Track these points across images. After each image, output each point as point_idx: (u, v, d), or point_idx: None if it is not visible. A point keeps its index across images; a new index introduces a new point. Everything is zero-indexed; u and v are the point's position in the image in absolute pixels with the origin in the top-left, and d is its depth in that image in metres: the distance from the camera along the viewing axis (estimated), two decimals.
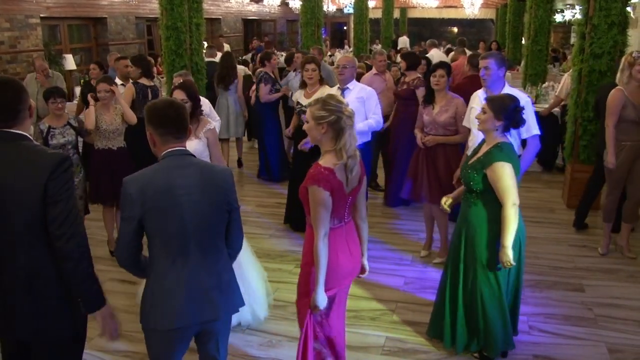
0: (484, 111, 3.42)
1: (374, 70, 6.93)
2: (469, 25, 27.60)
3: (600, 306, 4.39)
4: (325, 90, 5.67)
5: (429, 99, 5.02)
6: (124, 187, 2.41)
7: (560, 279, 4.84)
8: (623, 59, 5.11)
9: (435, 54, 11.11)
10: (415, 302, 4.46)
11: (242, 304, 2.71)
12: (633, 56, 4.95)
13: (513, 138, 4.12)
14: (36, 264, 2.35)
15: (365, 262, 3.21)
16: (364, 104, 5.17)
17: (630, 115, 4.91)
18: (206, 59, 8.47)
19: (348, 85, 5.25)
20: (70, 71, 10.89)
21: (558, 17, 19.70)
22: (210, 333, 2.66)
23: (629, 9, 6.17)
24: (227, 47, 13.50)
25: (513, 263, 3.33)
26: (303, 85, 5.86)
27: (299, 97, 5.86)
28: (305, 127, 2.90)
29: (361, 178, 2.98)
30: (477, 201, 3.48)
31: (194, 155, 2.61)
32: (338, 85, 5.36)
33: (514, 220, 3.31)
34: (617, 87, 5.03)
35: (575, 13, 18.65)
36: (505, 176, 3.29)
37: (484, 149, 3.49)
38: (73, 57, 11.05)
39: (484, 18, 25.02)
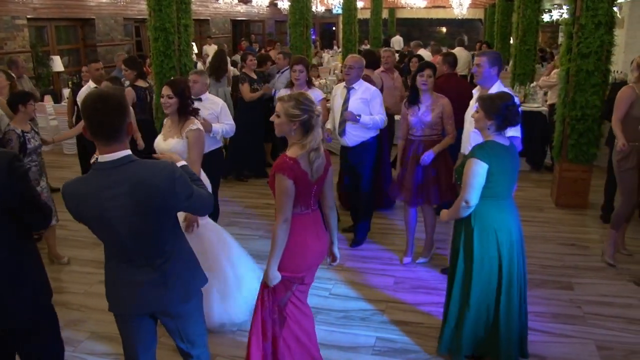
0: (477, 110, 3.44)
1: (382, 68, 6.90)
2: (457, 25, 27.70)
3: (589, 304, 4.42)
4: (313, 93, 5.67)
5: (414, 99, 4.93)
6: (62, 196, 2.44)
7: (549, 277, 4.87)
8: (634, 60, 5.04)
9: (423, 54, 11.16)
10: (405, 302, 4.47)
11: (194, 297, 2.76)
12: None
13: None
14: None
15: (336, 250, 3.40)
16: (368, 105, 5.19)
17: (638, 114, 4.87)
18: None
19: (354, 85, 5.25)
20: (58, 73, 10.83)
21: (546, 17, 19.83)
22: (166, 322, 2.76)
23: (615, 9, 6.21)
24: (214, 48, 13.50)
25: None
26: (290, 84, 5.86)
27: None
28: (275, 120, 3.03)
29: (326, 167, 3.13)
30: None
31: (132, 160, 2.42)
32: (344, 84, 5.35)
33: (457, 214, 3.41)
34: (629, 84, 5.04)
35: (563, 13, 18.79)
36: (469, 172, 3.31)
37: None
38: (61, 58, 10.98)
39: (472, 18, 25.14)
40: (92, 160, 3.35)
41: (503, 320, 3.48)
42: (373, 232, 5.85)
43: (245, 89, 7.52)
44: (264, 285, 3.15)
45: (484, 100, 3.42)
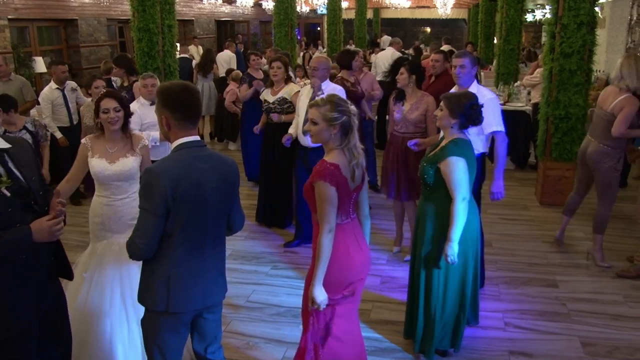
0: (440, 109, 3.47)
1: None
2: (441, 25, 27.82)
3: (573, 301, 4.46)
4: (291, 88, 5.75)
5: (400, 96, 5.07)
6: (154, 179, 2.44)
7: (534, 275, 4.91)
8: (635, 64, 4.86)
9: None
10: (391, 301, 4.48)
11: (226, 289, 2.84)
12: None
13: (478, 135, 4.19)
14: None
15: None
16: None
17: (634, 121, 4.79)
18: (181, 55, 10.21)
19: (321, 85, 5.27)
20: (41, 74, 10.72)
21: (529, 17, 19.98)
22: (206, 315, 2.76)
23: (596, 9, 6.28)
24: (192, 51, 13.60)
25: (455, 260, 3.35)
26: (270, 83, 5.92)
27: (266, 95, 5.91)
28: (311, 128, 2.93)
29: (363, 175, 3.02)
30: (430, 195, 3.54)
31: (205, 145, 2.67)
32: (310, 84, 5.36)
33: (463, 215, 3.35)
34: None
35: (546, 13, 18.93)
36: (457, 170, 3.33)
37: (442, 144, 3.53)
38: (43, 59, 10.86)
39: (456, 18, 25.25)
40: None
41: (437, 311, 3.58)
42: None
43: (242, 90, 7.35)
44: (307, 305, 3.00)
45: (449, 99, 3.45)
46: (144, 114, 5.13)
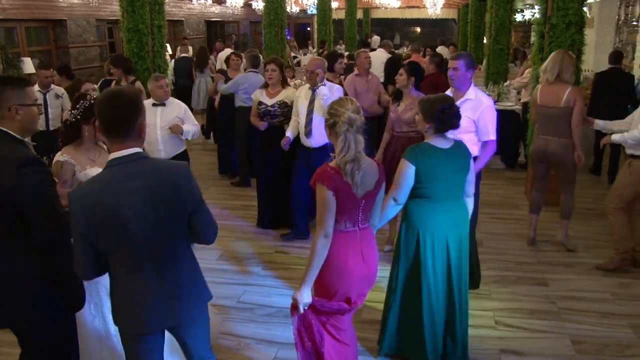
0: (416, 113, 3.44)
1: (355, 71, 6.86)
2: (431, 25, 27.94)
3: (563, 299, 4.49)
4: (290, 93, 5.71)
5: (397, 97, 5.17)
6: (70, 203, 2.32)
7: (524, 274, 4.93)
8: (567, 62, 5.10)
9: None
10: (376, 300, 4.45)
11: (206, 304, 2.67)
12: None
13: (475, 143, 4.21)
14: None
15: None
16: (329, 102, 5.22)
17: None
18: (182, 55, 11.51)
19: (318, 86, 5.32)
20: (29, 74, 10.65)
21: (518, 17, 20.06)
22: (179, 337, 2.63)
23: (585, 9, 6.32)
24: (189, 51, 13.58)
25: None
26: (265, 85, 5.89)
27: (261, 97, 5.85)
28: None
29: (379, 183, 2.93)
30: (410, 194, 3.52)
31: (146, 157, 2.42)
32: (309, 85, 5.39)
33: (389, 214, 3.36)
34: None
35: (535, 13, 19.00)
36: (399, 172, 3.32)
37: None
38: (32, 60, 10.80)
39: (446, 18, 25.34)
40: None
41: (427, 321, 3.49)
42: None
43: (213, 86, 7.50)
44: (295, 311, 2.96)
45: (423, 103, 3.41)
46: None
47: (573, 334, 4.01)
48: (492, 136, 4.26)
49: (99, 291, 3.24)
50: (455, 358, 3.54)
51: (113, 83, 6.99)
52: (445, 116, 3.28)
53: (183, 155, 5.32)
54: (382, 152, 5.32)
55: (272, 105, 5.72)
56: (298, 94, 5.53)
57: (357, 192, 2.82)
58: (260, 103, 5.81)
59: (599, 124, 5.09)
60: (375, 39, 20.75)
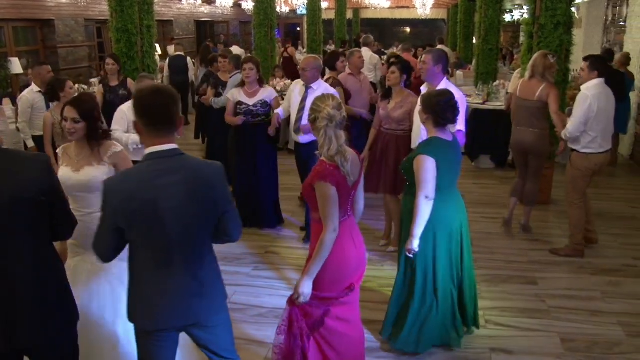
0: (408, 110, 3.60)
1: (348, 70, 6.83)
2: (421, 25, 28.01)
3: (552, 298, 4.51)
4: (267, 91, 5.77)
5: (387, 94, 5.21)
6: (105, 193, 2.32)
7: (514, 272, 4.95)
8: (539, 63, 5.35)
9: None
10: (371, 300, 4.48)
11: (225, 306, 2.70)
12: (551, 61, 5.33)
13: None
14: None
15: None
16: None
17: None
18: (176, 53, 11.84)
19: (312, 85, 5.31)
20: (17, 75, 10.57)
21: (507, 17, 20.17)
22: (199, 333, 2.63)
23: (573, 9, 6.36)
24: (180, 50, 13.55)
25: (415, 250, 3.44)
26: (241, 83, 5.87)
27: (239, 96, 5.79)
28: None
29: (360, 172, 3.07)
30: (409, 191, 3.62)
31: (183, 153, 2.45)
32: (303, 83, 5.41)
33: (424, 212, 3.41)
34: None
35: (524, 13, 19.12)
36: (421, 169, 3.40)
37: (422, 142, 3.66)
38: (19, 60, 10.72)
39: (436, 18, 25.41)
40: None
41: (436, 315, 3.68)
42: None
43: (209, 93, 7.29)
44: (292, 304, 3.02)
45: (423, 97, 3.62)
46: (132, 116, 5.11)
47: (563, 332, 4.03)
48: (460, 126, 4.31)
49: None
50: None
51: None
52: (440, 109, 3.45)
53: None
54: (367, 150, 5.40)
55: (255, 105, 5.68)
56: (293, 88, 5.60)
57: (350, 183, 2.94)
58: (240, 103, 5.74)
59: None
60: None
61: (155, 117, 2.37)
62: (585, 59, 5.10)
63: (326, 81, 5.91)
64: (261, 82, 5.86)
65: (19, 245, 2.29)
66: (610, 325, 4.11)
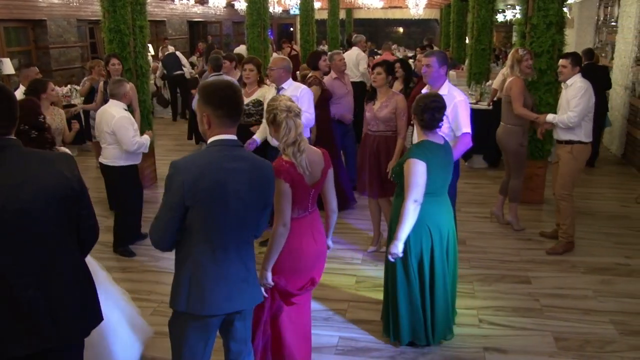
0: (393, 110, 3.63)
1: (333, 74, 6.81)
2: (414, 25, 28.02)
3: (545, 297, 4.53)
4: (265, 91, 5.70)
5: (372, 96, 5.20)
6: (175, 172, 2.41)
7: (507, 272, 4.97)
8: (510, 56, 5.63)
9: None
10: (366, 300, 4.49)
11: (261, 294, 2.80)
12: (520, 53, 5.51)
13: (451, 137, 4.25)
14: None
15: (329, 242, 3.44)
16: (298, 102, 5.19)
17: (528, 102, 5.54)
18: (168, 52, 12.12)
19: (283, 85, 5.22)
20: (9, 75, 10.52)
21: (500, 17, 20.22)
22: (236, 322, 2.71)
23: (565, 9, 6.39)
24: (172, 49, 13.53)
25: (400, 254, 3.46)
26: (242, 84, 5.89)
27: None
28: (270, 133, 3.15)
29: (324, 171, 3.14)
30: (400, 193, 3.62)
31: (242, 145, 2.61)
32: (275, 85, 5.35)
33: (411, 217, 3.42)
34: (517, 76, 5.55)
35: (516, 13, 19.17)
36: (412, 172, 3.40)
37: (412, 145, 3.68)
38: (11, 60, 10.67)
39: (428, 18, 25.44)
40: None
41: (437, 306, 3.73)
42: (334, 231, 5.86)
43: None
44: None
45: (415, 100, 3.59)
46: (131, 118, 5.26)
47: (555, 330, 4.05)
48: (465, 129, 4.30)
49: None
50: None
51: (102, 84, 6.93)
52: (424, 114, 3.46)
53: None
54: (360, 153, 5.38)
55: (247, 104, 5.67)
56: (268, 94, 5.50)
57: (308, 181, 3.04)
58: None
59: (549, 117, 5.31)
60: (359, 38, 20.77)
61: (233, 108, 2.52)
62: (565, 56, 5.29)
63: (307, 79, 5.90)
64: (261, 82, 5.84)
65: (52, 245, 2.27)
66: (603, 324, 4.13)
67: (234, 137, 2.55)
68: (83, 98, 8.36)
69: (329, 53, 7.37)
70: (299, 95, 5.18)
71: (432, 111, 3.44)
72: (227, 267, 2.54)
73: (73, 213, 2.34)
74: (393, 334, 3.84)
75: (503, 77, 8.26)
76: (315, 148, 3.17)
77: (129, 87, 5.29)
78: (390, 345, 3.87)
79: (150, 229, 2.53)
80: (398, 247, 3.44)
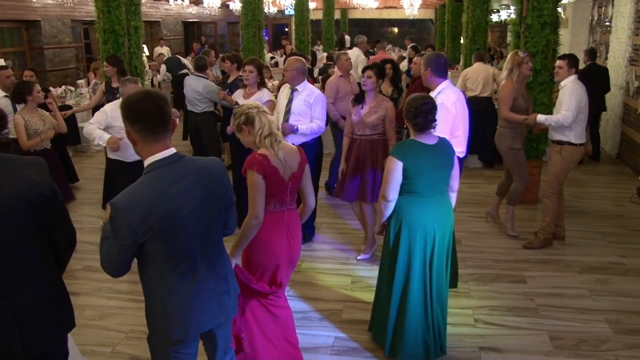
0: (381, 115, 3.65)
1: (338, 73, 6.81)
2: (409, 26, 28.09)
3: (541, 296, 4.53)
4: (261, 94, 5.68)
5: (359, 99, 5.11)
6: (119, 215, 2.20)
7: (502, 271, 4.98)
8: (510, 59, 5.48)
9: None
10: (362, 300, 4.49)
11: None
12: (520, 56, 5.43)
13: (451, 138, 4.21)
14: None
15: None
16: (310, 108, 5.20)
17: (521, 105, 5.44)
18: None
19: (297, 87, 5.23)
20: None
21: (494, 17, 20.27)
22: (218, 332, 2.65)
23: (559, 9, 6.40)
24: (167, 50, 13.49)
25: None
26: (243, 85, 5.92)
27: (238, 97, 5.86)
28: (241, 141, 3.23)
29: (301, 165, 3.21)
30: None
31: (184, 156, 2.39)
32: (289, 86, 5.35)
33: (382, 213, 3.52)
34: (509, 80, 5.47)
35: (511, 13, 19.23)
36: (387, 169, 3.43)
37: None
38: (5, 61, 10.64)
39: (423, 18, 25.49)
40: None
41: (408, 318, 3.54)
42: (329, 232, 5.88)
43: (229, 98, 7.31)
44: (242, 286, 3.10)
45: (406, 101, 3.56)
46: (116, 117, 5.17)
47: (551, 330, 4.05)
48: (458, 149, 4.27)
49: None
50: (435, 352, 3.61)
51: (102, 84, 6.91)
52: (411, 115, 3.42)
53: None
54: (344, 159, 5.23)
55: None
56: (281, 92, 5.53)
57: (283, 174, 3.09)
58: (236, 103, 5.79)
59: (541, 118, 5.30)
60: (347, 38, 20.78)
61: (151, 121, 2.27)
62: (562, 57, 5.31)
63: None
64: (261, 85, 5.81)
65: (25, 250, 2.23)
66: (598, 323, 4.14)
67: (169, 152, 2.32)
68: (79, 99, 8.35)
69: (336, 53, 7.37)
70: (312, 102, 5.18)
71: (424, 114, 3.40)
72: (203, 285, 2.43)
73: (44, 220, 2.28)
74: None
75: (462, 80, 8.48)
76: (290, 144, 3.28)
77: (131, 87, 5.27)
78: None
79: (102, 262, 2.34)
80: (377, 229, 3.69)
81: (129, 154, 5.19)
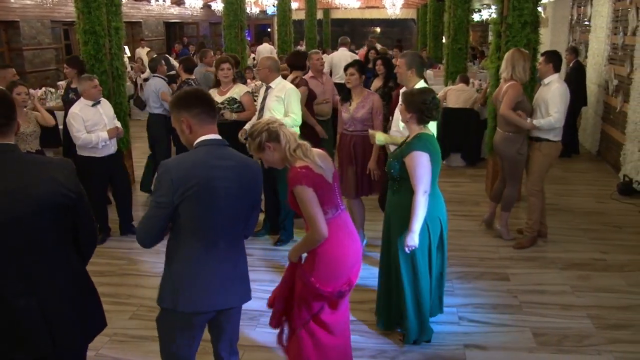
0: (400, 103, 3.70)
1: (310, 73, 6.83)
2: (391, 25, 28.17)
3: (524, 293, 4.57)
4: (240, 88, 5.81)
5: (346, 96, 5.20)
6: (164, 171, 2.43)
7: (486, 269, 5.01)
8: (519, 57, 5.30)
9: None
10: (352, 300, 4.47)
11: (250, 294, 2.80)
12: (526, 52, 5.38)
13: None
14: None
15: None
16: (283, 103, 5.24)
17: (527, 107, 5.31)
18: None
19: (271, 84, 5.32)
20: None
21: (476, 17, 20.38)
22: (226, 320, 2.76)
23: (539, 9, 6.46)
24: (146, 50, 13.41)
25: (416, 245, 3.51)
26: (217, 83, 5.93)
27: (213, 95, 5.79)
28: (264, 160, 3.01)
29: (333, 162, 3.13)
30: (397, 188, 3.67)
31: (230, 145, 2.64)
32: (263, 84, 5.42)
33: (423, 207, 3.49)
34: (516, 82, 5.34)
35: (492, 13, 19.35)
36: (419, 165, 3.47)
37: (407, 140, 3.69)
38: None
39: (405, 18, 25.58)
40: None
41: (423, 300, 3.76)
42: None
43: None
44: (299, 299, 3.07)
45: (405, 95, 3.66)
46: (86, 115, 5.32)
47: (534, 326, 4.09)
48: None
49: None
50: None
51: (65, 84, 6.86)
52: (426, 108, 3.53)
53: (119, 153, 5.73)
54: (338, 154, 5.38)
55: (222, 103, 5.68)
56: (260, 91, 5.61)
57: (327, 177, 2.94)
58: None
59: (538, 123, 5.21)
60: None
61: (207, 104, 2.60)
62: (542, 54, 5.40)
63: (292, 81, 5.89)
64: (235, 81, 5.88)
65: (46, 253, 2.23)
66: (581, 319, 4.19)
67: (218, 136, 2.59)
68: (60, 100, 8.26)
69: (309, 52, 7.36)
70: (284, 96, 5.21)
71: (436, 106, 3.57)
72: (216, 265, 2.56)
73: (69, 220, 2.30)
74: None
75: (444, 93, 8.51)
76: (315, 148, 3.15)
77: (87, 83, 5.37)
78: (372, 344, 3.89)
79: (139, 227, 2.54)
80: (414, 239, 3.49)
81: (100, 149, 5.36)
